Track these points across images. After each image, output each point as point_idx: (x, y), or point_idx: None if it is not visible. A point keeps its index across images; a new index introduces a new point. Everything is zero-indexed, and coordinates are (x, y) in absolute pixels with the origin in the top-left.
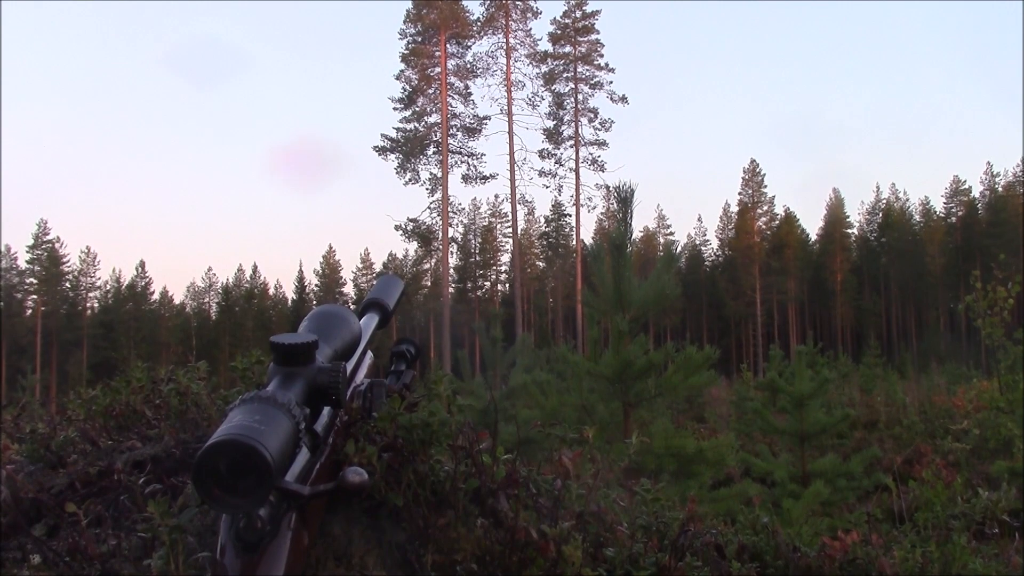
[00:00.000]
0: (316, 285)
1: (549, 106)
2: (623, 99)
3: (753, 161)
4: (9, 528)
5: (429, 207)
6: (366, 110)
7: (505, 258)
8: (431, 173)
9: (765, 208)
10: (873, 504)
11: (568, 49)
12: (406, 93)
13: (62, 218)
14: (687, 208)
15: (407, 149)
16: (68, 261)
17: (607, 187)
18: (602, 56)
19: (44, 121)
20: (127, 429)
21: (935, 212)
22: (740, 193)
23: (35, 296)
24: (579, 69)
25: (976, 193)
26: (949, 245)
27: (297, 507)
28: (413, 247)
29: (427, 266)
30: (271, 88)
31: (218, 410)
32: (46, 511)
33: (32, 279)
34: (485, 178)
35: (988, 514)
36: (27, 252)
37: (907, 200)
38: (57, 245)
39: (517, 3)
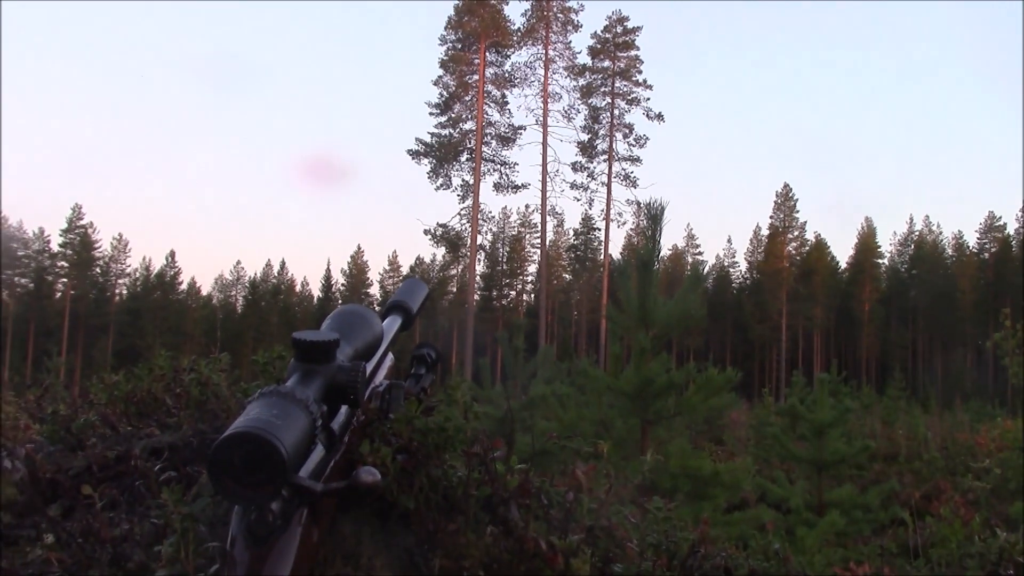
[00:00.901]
0: (343, 285)
1: (584, 119)
2: (659, 116)
3: (786, 185)
4: (25, 507)
5: (459, 213)
6: (403, 114)
7: (532, 269)
8: (463, 180)
9: (796, 233)
10: (888, 538)
11: (607, 64)
12: (443, 99)
13: (97, 204)
14: (717, 229)
15: (440, 154)
16: (100, 247)
17: (638, 203)
18: (640, 72)
19: (88, 109)
20: (147, 416)
21: (968, 247)
22: (771, 217)
23: (65, 280)
24: (617, 84)
25: (1011, 230)
26: (981, 281)
27: (309, 504)
28: (441, 252)
29: (454, 272)
30: (308, 90)
31: (237, 402)
32: (62, 492)
33: (64, 263)
34: (517, 187)
35: (1004, 555)
36: (60, 236)
37: (940, 233)
38: (90, 230)
39: (558, 15)
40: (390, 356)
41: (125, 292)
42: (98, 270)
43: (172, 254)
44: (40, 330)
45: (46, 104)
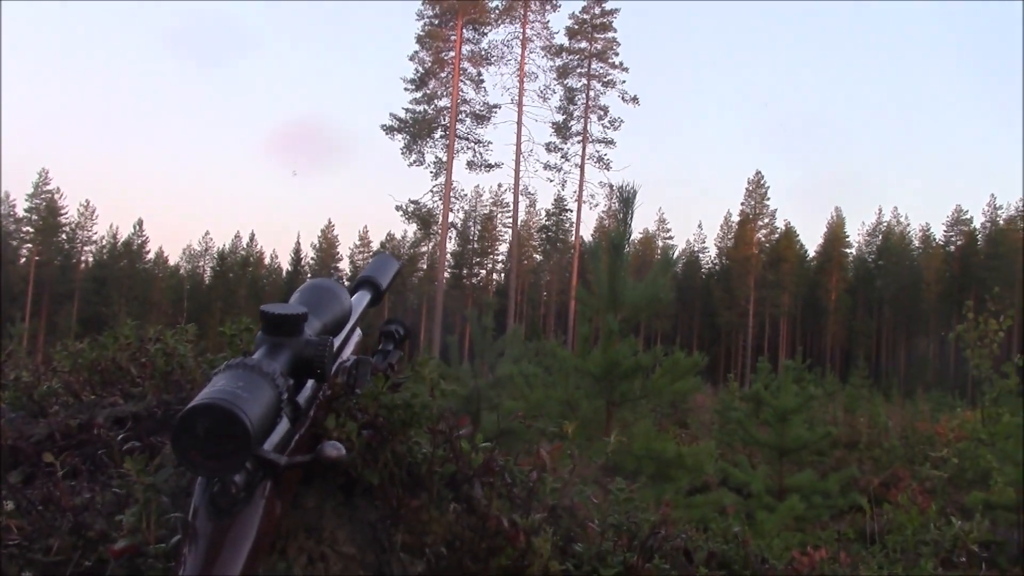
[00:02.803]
0: (312, 259)
1: (560, 100)
2: (634, 99)
3: (758, 172)
4: None
5: (431, 190)
6: (377, 89)
7: (503, 248)
8: (436, 157)
9: (766, 221)
10: (846, 524)
11: (584, 45)
12: (418, 74)
13: (64, 170)
14: (688, 214)
15: (415, 131)
16: (66, 213)
17: (611, 186)
18: (617, 55)
19: (56, 75)
20: (111, 385)
21: (935, 239)
22: (742, 203)
23: (30, 245)
24: (593, 66)
25: (977, 224)
26: (946, 274)
27: (273, 476)
28: (412, 229)
29: (424, 249)
30: (281, 64)
31: (203, 374)
32: (23, 459)
33: (29, 228)
34: (490, 166)
35: (958, 543)
36: (26, 200)
37: (908, 225)
38: (56, 196)
39: None
40: (358, 331)
41: (91, 260)
42: (64, 236)
43: (140, 223)
44: (4, 296)
45: (14, 67)
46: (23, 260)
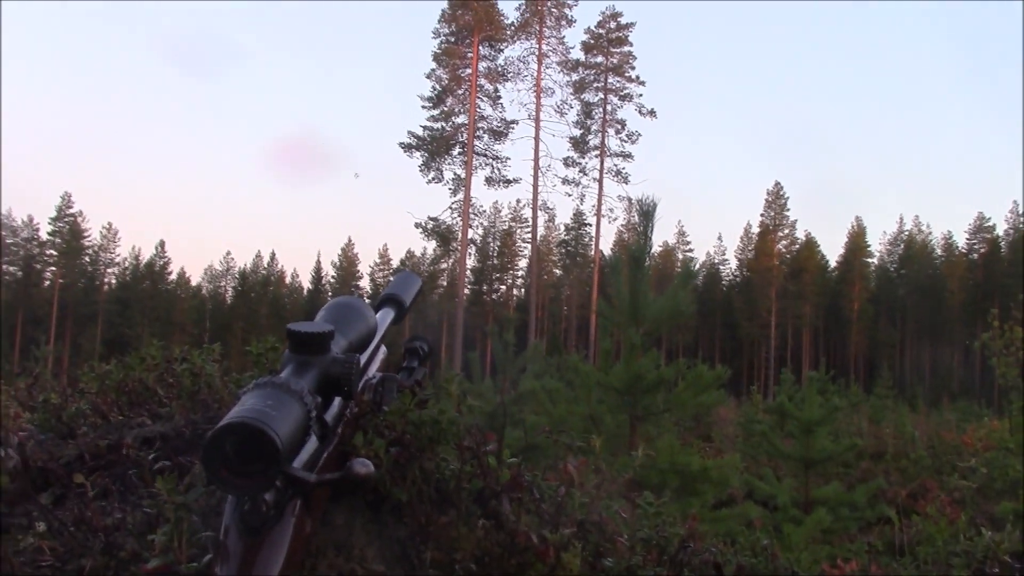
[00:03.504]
0: (332, 277)
1: (577, 115)
2: (651, 113)
3: (777, 183)
4: (17, 495)
5: (450, 207)
6: (396, 106)
7: (522, 263)
8: (455, 173)
9: (786, 231)
10: (875, 535)
11: (600, 59)
12: (435, 92)
13: (87, 193)
14: (707, 226)
15: (432, 148)
16: (89, 236)
17: (629, 199)
18: (633, 68)
19: (77, 97)
20: (138, 405)
21: (957, 247)
22: (762, 215)
23: (54, 268)
24: (610, 80)
25: (1000, 231)
26: (969, 282)
27: (302, 494)
28: (432, 246)
29: (444, 266)
30: (302, 80)
31: (230, 392)
32: (54, 480)
33: (52, 251)
34: (508, 182)
35: (990, 554)
36: (49, 224)
37: (930, 233)
38: (79, 219)
39: (552, 10)
40: (383, 348)
41: (114, 281)
42: (87, 259)
43: (162, 244)
44: (28, 319)
45: (36, 92)
46: (47, 283)
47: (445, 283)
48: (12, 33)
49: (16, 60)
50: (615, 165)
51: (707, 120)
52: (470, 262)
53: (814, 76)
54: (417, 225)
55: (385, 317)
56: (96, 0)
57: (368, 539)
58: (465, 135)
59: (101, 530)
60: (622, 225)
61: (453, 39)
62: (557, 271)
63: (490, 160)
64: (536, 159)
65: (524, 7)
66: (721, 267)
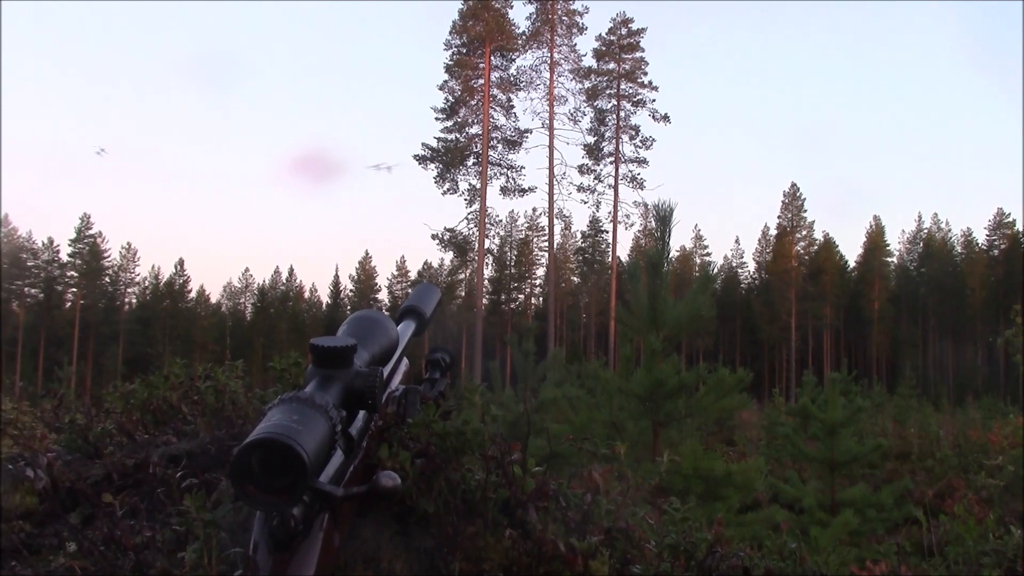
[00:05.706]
0: (351, 290)
1: (591, 122)
2: (665, 118)
3: (794, 185)
4: (46, 515)
5: (466, 218)
6: (410, 119)
7: (540, 272)
8: (470, 184)
9: (804, 233)
10: (903, 536)
11: (612, 66)
12: (448, 103)
13: (105, 213)
14: (725, 229)
15: (447, 159)
16: (109, 256)
17: (645, 205)
18: (646, 74)
19: (93, 118)
20: (163, 424)
21: (977, 244)
22: (779, 217)
23: (75, 289)
24: (622, 86)
25: (1020, 226)
26: (990, 278)
27: (330, 508)
28: (449, 257)
29: (462, 276)
30: (316, 96)
31: (254, 409)
32: (83, 500)
33: (73, 272)
34: (524, 191)
35: (1020, 552)
36: (69, 245)
37: (949, 231)
38: (99, 240)
39: (563, 18)
40: (405, 361)
41: (134, 301)
42: (107, 279)
43: (181, 262)
44: (50, 340)
45: (54, 114)
46: (68, 304)
47: (463, 294)
48: (29, 55)
49: (32, 82)
50: (630, 171)
51: (721, 123)
52: (488, 272)
53: (828, 75)
54: (434, 236)
55: (406, 329)
56: (111, 19)
57: (396, 551)
58: (479, 145)
59: (131, 549)
60: (639, 231)
61: (465, 50)
62: (575, 279)
63: (505, 170)
64: (551, 167)
65: (535, 16)
66: (740, 270)
